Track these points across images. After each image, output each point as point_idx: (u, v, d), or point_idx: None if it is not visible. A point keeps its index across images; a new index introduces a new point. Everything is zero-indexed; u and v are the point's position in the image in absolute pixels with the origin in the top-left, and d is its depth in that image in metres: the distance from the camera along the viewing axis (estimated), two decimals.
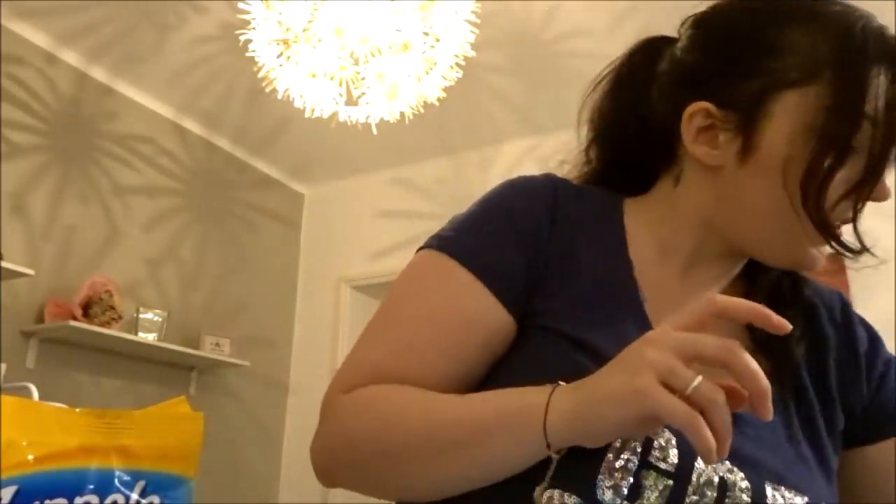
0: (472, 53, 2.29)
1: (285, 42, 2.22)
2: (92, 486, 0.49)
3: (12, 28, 2.96)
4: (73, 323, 2.77)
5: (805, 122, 0.59)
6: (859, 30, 0.60)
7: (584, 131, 0.75)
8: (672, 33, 0.71)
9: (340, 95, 2.30)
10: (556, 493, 0.53)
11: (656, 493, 0.53)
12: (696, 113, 0.63)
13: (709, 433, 0.44)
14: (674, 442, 0.55)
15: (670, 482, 0.54)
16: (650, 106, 0.69)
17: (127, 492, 0.50)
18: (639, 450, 0.54)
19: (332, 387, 0.62)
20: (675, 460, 0.54)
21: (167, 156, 3.57)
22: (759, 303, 0.52)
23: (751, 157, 0.61)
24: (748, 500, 0.55)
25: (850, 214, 0.61)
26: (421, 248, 0.66)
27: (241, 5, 2.22)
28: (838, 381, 0.69)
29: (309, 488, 3.71)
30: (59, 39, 3.09)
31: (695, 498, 0.54)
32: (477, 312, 0.61)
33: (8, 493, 0.45)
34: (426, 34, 2.24)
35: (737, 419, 0.59)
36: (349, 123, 2.44)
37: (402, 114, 2.39)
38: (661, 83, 0.68)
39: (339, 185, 4.27)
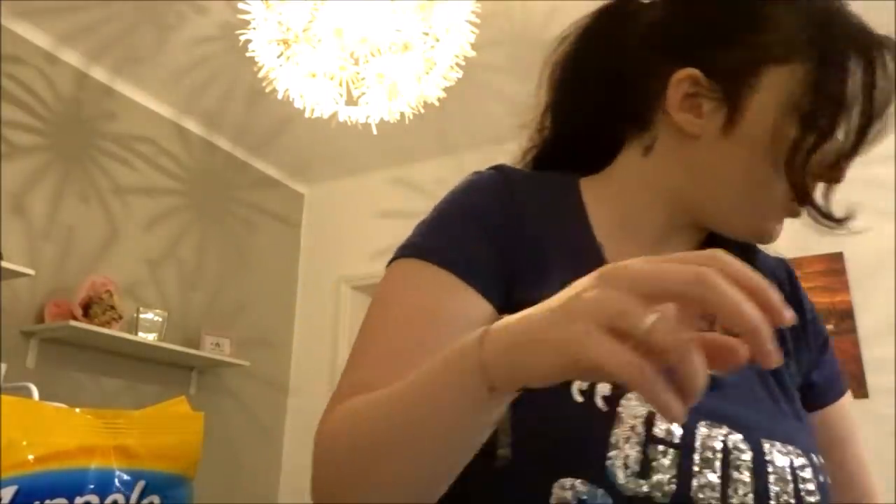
0: (472, 53, 2.29)
1: (285, 42, 2.22)
2: (92, 486, 0.49)
3: (12, 28, 2.96)
4: (73, 323, 2.78)
5: (788, 98, 0.60)
6: (841, 16, 0.62)
7: (542, 93, 0.73)
8: None
9: (340, 95, 2.30)
10: (569, 481, 0.53)
11: (667, 466, 0.53)
12: (684, 79, 0.63)
13: (662, 386, 0.35)
14: None
15: (677, 453, 0.53)
16: (622, 69, 0.68)
17: (127, 492, 0.50)
18: (643, 425, 0.54)
19: (319, 423, 0.57)
20: (679, 430, 0.54)
21: (167, 156, 3.57)
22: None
23: (733, 128, 0.61)
24: (749, 458, 0.55)
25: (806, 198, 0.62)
26: (390, 262, 0.64)
27: (241, 5, 2.22)
28: (793, 346, 0.70)
29: (309, 488, 3.71)
30: (59, 39, 3.09)
31: (702, 464, 0.54)
32: (459, 307, 0.58)
33: (8, 493, 0.45)
34: (426, 34, 2.24)
35: (717, 382, 0.58)
36: (349, 123, 2.44)
37: (402, 114, 2.39)
38: (639, 47, 0.67)
39: (339, 185, 4.27)
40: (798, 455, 0.58)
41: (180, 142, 3.65)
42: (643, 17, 0.68)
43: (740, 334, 0.36)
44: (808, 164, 0.59)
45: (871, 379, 2.78)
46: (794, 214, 0.64)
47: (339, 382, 0.59)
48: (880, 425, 2.65)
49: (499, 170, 0.68)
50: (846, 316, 2.87)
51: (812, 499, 0.57)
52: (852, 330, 2.86)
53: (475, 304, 0.59)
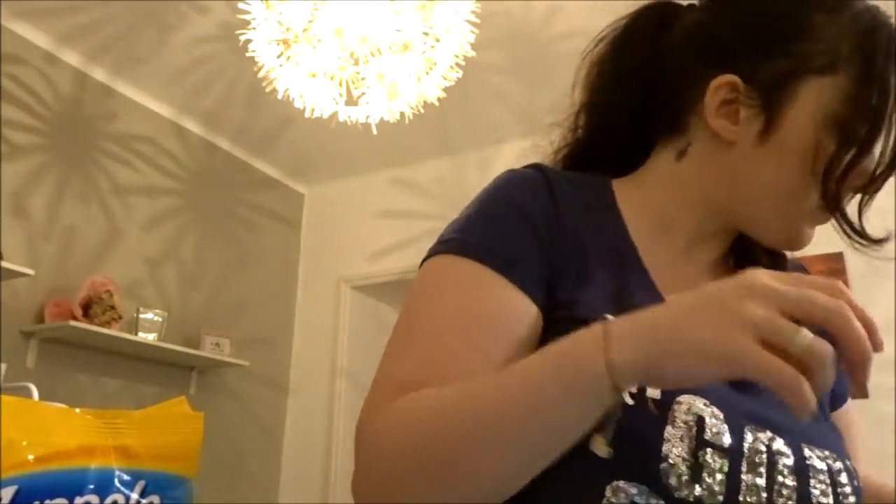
0: (472, 53, 2.29)
1: (285, 42, 2.22)
2: (92, 486, 0.49)
3: (12, 28, 2.96)
4: (73, 323, 2.77)
5: (827, 111, 0.60)
6: (885, 30, 0.61)
7: (577, 92, 0.73)
8: None
9: (340, 95, 2.30)
10: (622, 483, 0.53)
11: (717, 469, 0.53)
12: (723, 85, 0.63)
13: (812, 393, 0.41)
14: (722, 416, 0.56)
15: (727, 458, 0.54)
16: (657, 72, 0.68)
17: (127, 492, 0.51)
18: (694, 429, 0.54)
19: (360, 418, 0.56)
20: (727, 435, 0.55)
21: (167, 156, 3.57)
22: None
23: (769, 137, 0.62)
24: (792, 462, 0.56)
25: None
26: (427, 258, 0.63)
27: (241, 5, 2.22)
28: None
29: (309, 488, 3.72)
30: (59, 39, 3.09)
31: (749, 468, 0.55)
32: (503, 305, 0.58)
33: (8, 493, 0.45)
34: (426, 34, 2.24)
35: (758, 387, 0.61)
36: (349, 123, 2.44)
37: (402, 114, 2.39)
38: (678, 51, 0.67)
39: (339, 185, 4.27)
40: (835, 460, 0.59)
41: (180, 142, 3.65)
42: (683, 21, 0.68)
43: (851, 359, 0.44)
44: (846, 179, 0.60)
45: (872, 379, 2.78)
46: (822, 221, 0.64)
47: (378, 379, 0.58)
48: (880, 425, 2.65)
49: (537, 167, 0.68)
50: None
51: (849, 501, 0.58)
52: None
53: (519, 302, 0.59)
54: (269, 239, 4.08)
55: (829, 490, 0.56)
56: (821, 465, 0.57)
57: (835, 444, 0.62)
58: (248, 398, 3.73)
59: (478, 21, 2.28)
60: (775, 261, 0.72)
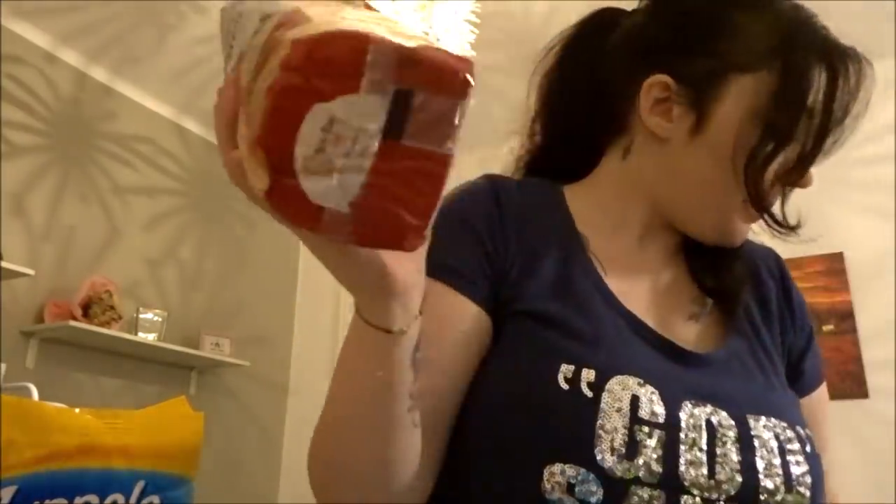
0: (472, 53, 2.29)
1: None
2: (92, 486, 0.49)
3: (12, 28, 2.96)
4: (73, 323, 2.77)
5: (752, 107, 0.63)
6: (808, 27, 0.65)
7: (532, 100, 0.78)
8: None
9: None
10: (558, 466, 0.54)
11: (653, 446, 0.55)
12: (655, 85, 0.66)
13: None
14: (658, 394, 0.57)
15: (663, 433, 0.55)
16: (602, 75, 0.71)
17: (127, 492, 0.51)
18: (628, 408, 0.55)
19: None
20: (663, 411, 0.56)
21: (167, 156, 3.57)
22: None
23: (700, 133, 0.65)
24: (735, 434, 0.57)
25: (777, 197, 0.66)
26: None
27: None
28: (780, 327, 0.74)
29: (308, 488, 3.71)
30: (59, 39, 3.09)
31: (688, 443, 0.56)
32: (449, 313, 0.61)
33: (8, 493, 0.45)
34: (426, 34, 2.24)
35: (705, 359, 0.64)
36: None
37: None
38: (617, 53, 0.71)
39: None
40: (784, 428, 0.60)
41: (180, 142, 3.65)
42: (622, 25, 0.72)
43: None
44: (765, 171, 0.62)
45: (871, 379, 2.78)
46: (754, 219, 0.67)
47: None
48: (880, 425, 2.65)
49: (486, 177, 0.71)
50: (846, 316, 2.87)
51: (800, 469, 0.58)
52: (852, 330, 2.86)
53: (461, 305, 0.61)
54: (269, 239, 4.08)
55: (778, 460, 0.57)
56: (767, 435, 0.58)
57: (789, 412, 0.63)
58: (247, 398, 3.73)
59: (478, 21, 2.28)
60: (725, 250, 0.73)
